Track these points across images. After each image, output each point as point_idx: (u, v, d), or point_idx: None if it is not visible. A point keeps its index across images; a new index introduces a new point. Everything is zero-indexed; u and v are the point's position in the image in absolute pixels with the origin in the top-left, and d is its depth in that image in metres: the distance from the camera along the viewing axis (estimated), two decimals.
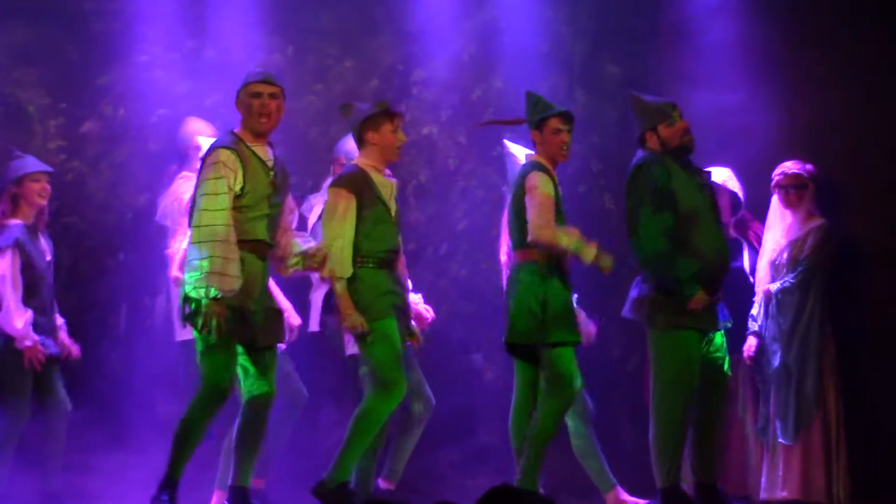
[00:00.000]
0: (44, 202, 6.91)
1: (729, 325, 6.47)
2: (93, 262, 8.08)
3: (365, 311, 6.17)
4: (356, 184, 6.25)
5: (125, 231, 8.14)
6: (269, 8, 8.33)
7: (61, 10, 8.25)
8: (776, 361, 7.04)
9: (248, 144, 6.00)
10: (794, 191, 7.14)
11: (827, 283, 7.04)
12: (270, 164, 6.05)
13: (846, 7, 7.39)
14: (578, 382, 6.25)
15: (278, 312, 6.20)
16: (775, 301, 7.08)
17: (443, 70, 8.49)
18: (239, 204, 5.89)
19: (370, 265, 6.25)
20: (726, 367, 6.42)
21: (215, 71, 8.06)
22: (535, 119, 6.42)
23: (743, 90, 7.49)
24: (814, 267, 7.02)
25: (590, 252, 6.17)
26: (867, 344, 7.16)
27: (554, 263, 6.28)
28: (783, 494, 6.96)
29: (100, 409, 7.71)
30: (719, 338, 6.40)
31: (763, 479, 7.06)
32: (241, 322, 5.88)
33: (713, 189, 6.55)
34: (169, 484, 5.91)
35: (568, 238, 6.18)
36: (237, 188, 5.88)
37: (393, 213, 6.37)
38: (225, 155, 5.89)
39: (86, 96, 8.28)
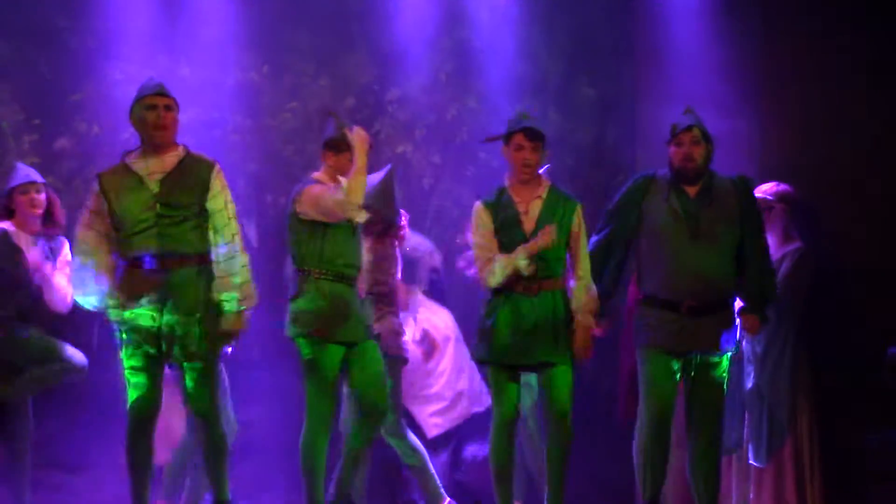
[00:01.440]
0: (38, 212, 6.83)
1: (730, 350, 6.32)
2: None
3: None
4: None
5: None
6: (245, 26, 8.32)
7: (36, 27, 8.21)
8: (749, 383, 7.04)
9: (132, 163, 6.08)
10: None
11: (802, 306, 7.05)
12: (158, 176, 6.03)
13: (827, 29, 7.42)
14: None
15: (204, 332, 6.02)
16: None
17: (418, 89, 8.50)
18: (116, 225, 6.02)
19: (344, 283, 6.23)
20: (715, 393, 6.22)
21: (190, 89, 8.04)
22: (504, 134, 6.19)
23: (720, 110, 7.51)
24: (788, 290, 7.02)
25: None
26: (840, 367, 7.17)
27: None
28: None
29: (71, 426, 7.68)
30: (714, 361, 6.22)
31: (735, 503, 7.08)
32: (149, 338, 5.92)
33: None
34: None
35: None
36: (105, 210, 6.03)
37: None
38: (96, 181, 6.10)
39: (60, 113, 8.25)
